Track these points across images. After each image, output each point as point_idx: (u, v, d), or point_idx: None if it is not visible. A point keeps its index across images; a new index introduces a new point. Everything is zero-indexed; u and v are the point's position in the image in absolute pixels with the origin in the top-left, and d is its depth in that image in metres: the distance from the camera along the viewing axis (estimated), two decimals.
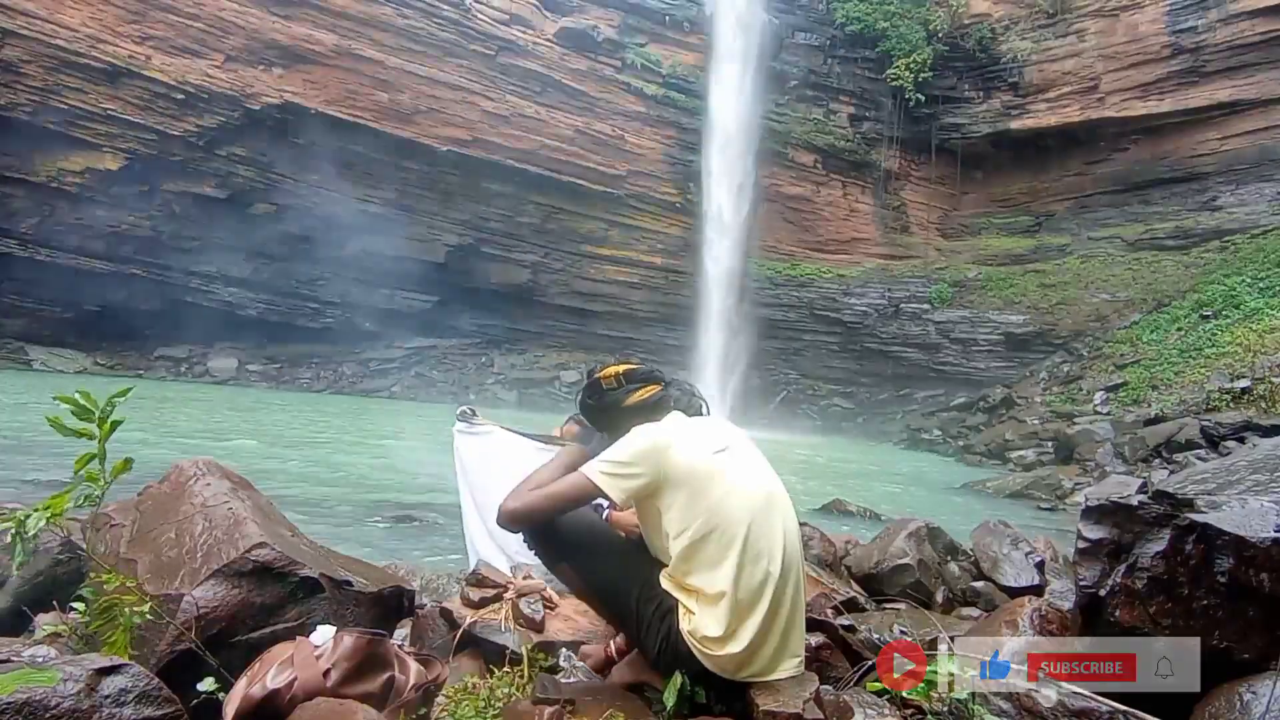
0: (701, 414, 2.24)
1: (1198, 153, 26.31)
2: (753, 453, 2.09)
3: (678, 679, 1.88)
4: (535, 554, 2.22)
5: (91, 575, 1.83)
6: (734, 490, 1.93)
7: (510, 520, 2.01)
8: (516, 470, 2.67)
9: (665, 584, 1.99)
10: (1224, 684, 1.69)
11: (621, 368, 2.19)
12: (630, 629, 2.04)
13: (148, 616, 1.76)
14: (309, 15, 23.77)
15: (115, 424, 1.85)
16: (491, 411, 3.60)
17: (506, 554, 3.12)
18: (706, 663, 1.87)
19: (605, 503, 2.69)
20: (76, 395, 1.81)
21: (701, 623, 1.87)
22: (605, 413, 2.18)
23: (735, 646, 1.84)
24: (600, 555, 2.08)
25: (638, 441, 1.97)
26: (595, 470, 1.96)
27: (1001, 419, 21.49)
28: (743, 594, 1.85)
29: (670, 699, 1.85)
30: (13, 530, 1.76)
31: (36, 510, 1.79)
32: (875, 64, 29.23)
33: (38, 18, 21.35)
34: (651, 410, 2.12)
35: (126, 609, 1.74)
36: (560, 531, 2.08)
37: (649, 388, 2.15)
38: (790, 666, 1.91)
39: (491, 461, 3.40)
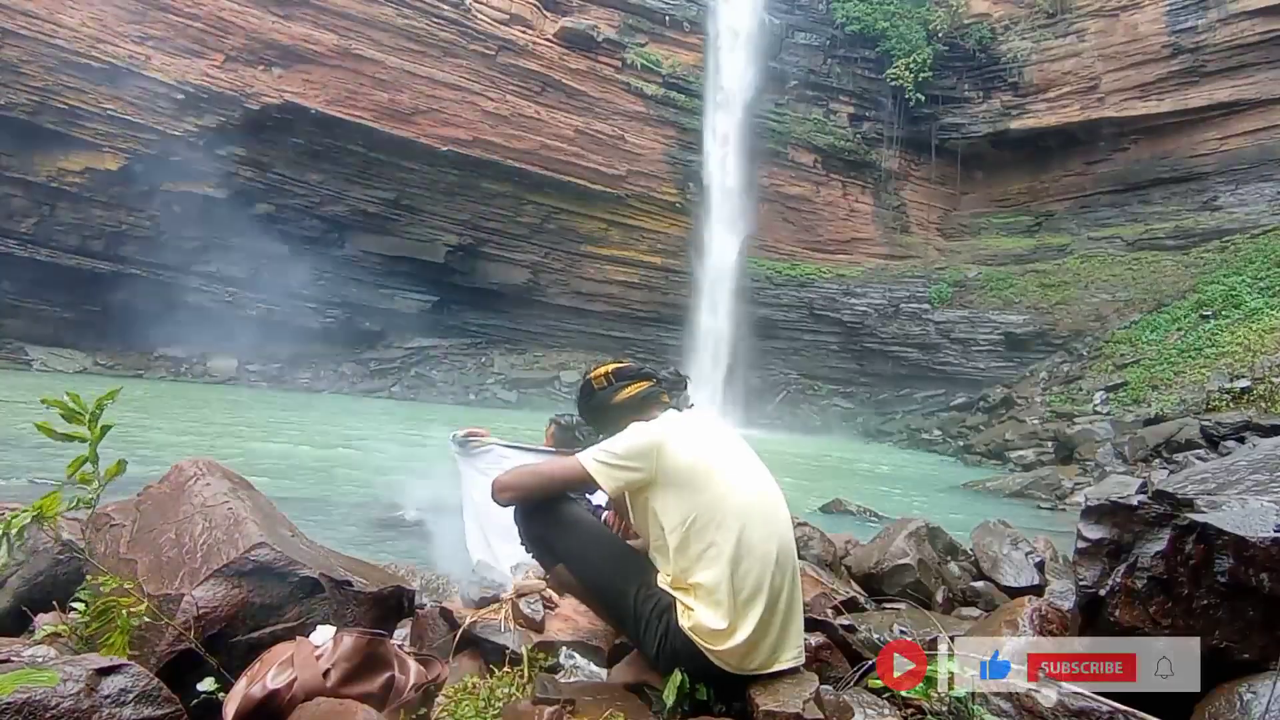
0: (691, 408, 2.26)
1: (1198, 153, 26.31)
2: (745, 449, 2.11)
3: (677, 677, 1.88)
4: (532, 556, 2.23)
5: (89, 578, 1.83)
6: (730, 486, 1.95)
7: (499, 490, 2.09)
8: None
9: (663, 583, 1.99)
10: (1224, 684, 1.69)
11: (611, 366, 2.25)
12: (629, 628, 2.04)
13: (145, 618, 1.76)
14: (309, 15, 23.76)
15: (106, 429, 1.82)
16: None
17: (501, 566, 3.08)
18: (711, 657, 1.87)
19: (602, 504, 2.70)
20: (64, 397, 1.75)
21: (702, 618, 1.87)
22: (597, 411, 2.23)
23: (737, 639, 1.85)
24: (597, 556, 2.09)
25: (634, 438, 1.98)
26: (589, 458, 1.98)
27: (1001, 419, 21.48)
28: (742, 587, 1.86)
29: (670, 697, 1.85)
30: (0, 530, 1.76)
31: (25, 511, 1.78)
32: (875, 64, 29.23)
33: (38, 18, 21.34)
34: (640, 406, 2.15)
35: (124, 610, 1.73)
36: (557, 533, 2.09)
37: (637, 384, 2.19)
38: (790, 657, 1.93)
39: (495, 464, 3.36)
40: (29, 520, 1.77)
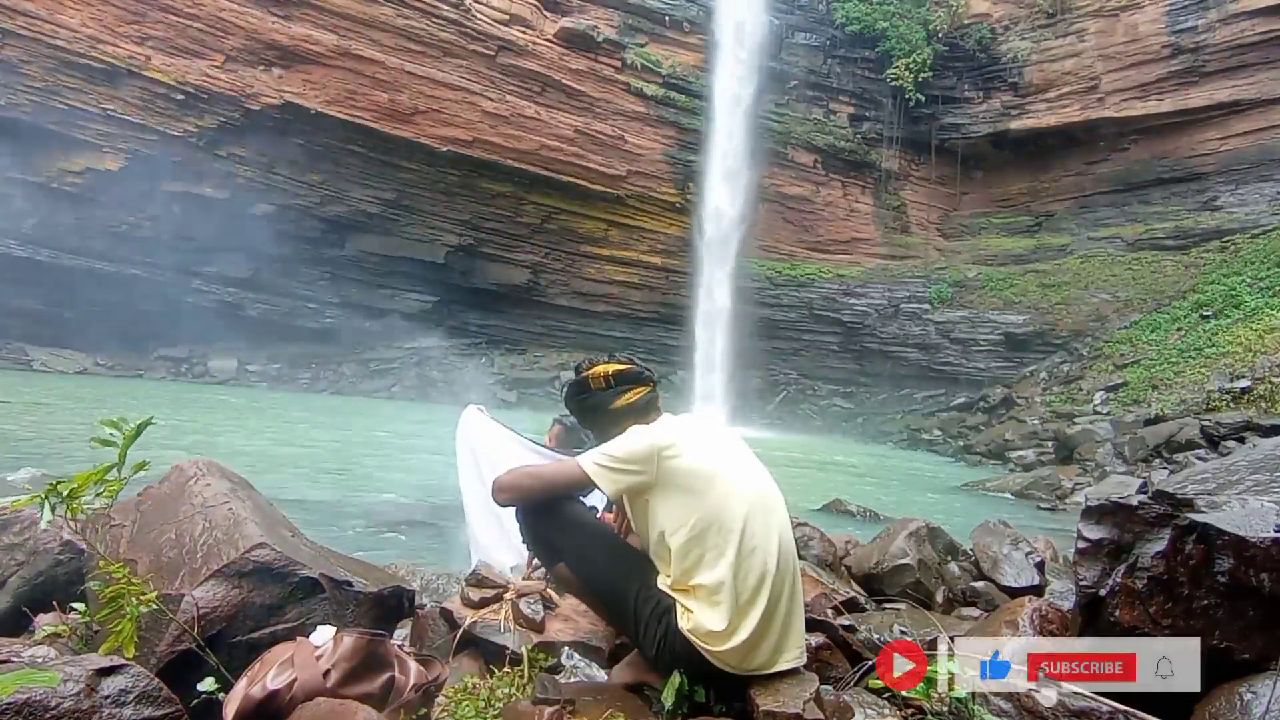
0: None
1: (1198, 153, 26.32)
2: (746, 452, 2.09)
3: (676, 678, 1.88)
4: (533, 554, 2.22)
5: (100, 566, 1.85)
6: (731, 489, 1.94)
7: (499, 490, 2.08)
8: (525, 459, 2.68)
9: (663, 584, 1.99)
10: (1224, 684, 1.69)
11: (611, 368, 2.16)
12: (629, 629, 2.04)
13: (154, 606, 1.77)
14: (309, 15, 23.76)
15: (143, 426, 1.93)
16: (492, 412, 3.57)
17: (513, 542, 3.08)
18: (710, 658, 1.87)
19: (600, 504, 2.70)
20: (117, 419, 1.94)
21: (702, 619, 1.87)
22: (593, 412, 2.17)
23: (737, 640, 1.85)
24: (598, 555, 2.08)
25: (636, 443, 1.96)
26: (589, 461, 1.97)
27: (1001, 419, 21.49)
28: (741, 589, 1.86)
29: (669, 699, 1.85)
30: (43, 494, 1.82)
31: (65, 482, 1.84)
32: (875, 64, 29.24)
33: (38, 18, 21.35)
34: (640, 412, 2.12)
35: (134, 598, 1.75)
36: (558, 533, 2.08)
37: (638, 390, 2.14)
38: (791, 658, 1.92)
39: (503, 447, 3.36)
40: (76, 485, 1.83)
